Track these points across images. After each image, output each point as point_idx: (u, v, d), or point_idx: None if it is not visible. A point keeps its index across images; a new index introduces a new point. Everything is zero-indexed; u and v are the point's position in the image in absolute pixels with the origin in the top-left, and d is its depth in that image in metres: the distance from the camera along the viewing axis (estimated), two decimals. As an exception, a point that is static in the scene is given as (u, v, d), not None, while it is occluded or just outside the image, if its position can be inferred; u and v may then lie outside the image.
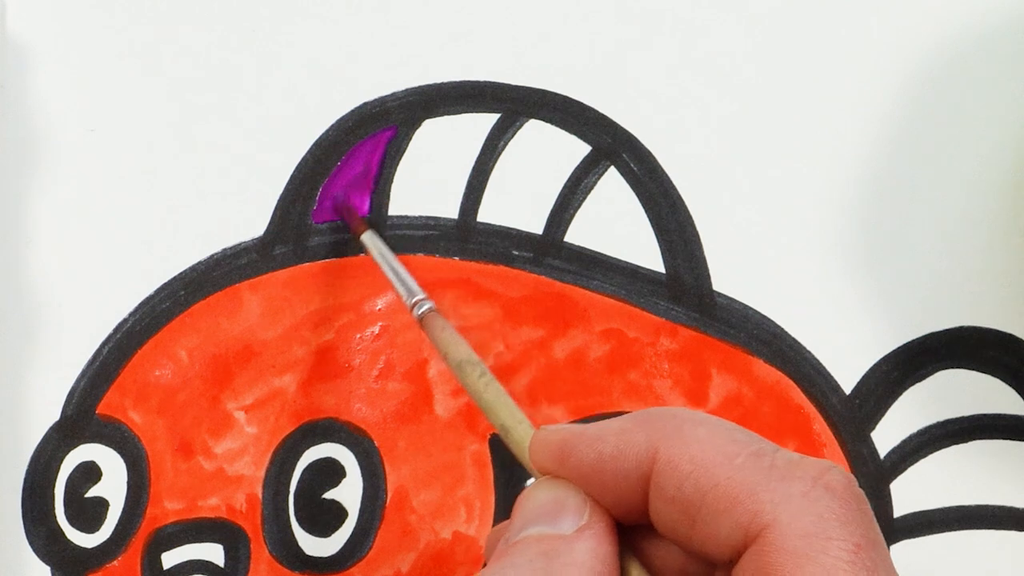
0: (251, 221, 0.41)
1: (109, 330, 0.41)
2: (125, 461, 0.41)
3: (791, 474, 0.24)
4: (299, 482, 0.40)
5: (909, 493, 0.39)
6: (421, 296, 0.35)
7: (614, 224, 0.40)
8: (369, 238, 0.39)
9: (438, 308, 0.35)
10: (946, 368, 0.39)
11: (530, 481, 0.39)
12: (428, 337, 0.34)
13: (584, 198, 0.40)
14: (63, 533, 0.41)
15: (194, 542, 0.40)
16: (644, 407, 0.39)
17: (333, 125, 0.41)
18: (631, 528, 0.27)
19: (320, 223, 0.41)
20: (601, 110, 0.40)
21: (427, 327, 0.34)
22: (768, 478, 0.24)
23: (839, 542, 0.23)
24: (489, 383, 0.31)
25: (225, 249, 0.41)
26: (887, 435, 0.38)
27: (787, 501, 0.24)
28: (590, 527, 0.26)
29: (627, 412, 0.40)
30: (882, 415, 0.39)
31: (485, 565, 0.27)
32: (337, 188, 0.41)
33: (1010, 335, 0.38)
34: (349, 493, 0.40)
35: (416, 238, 0.41)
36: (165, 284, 0.41)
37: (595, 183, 0.40)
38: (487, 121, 0.41)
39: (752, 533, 0.24)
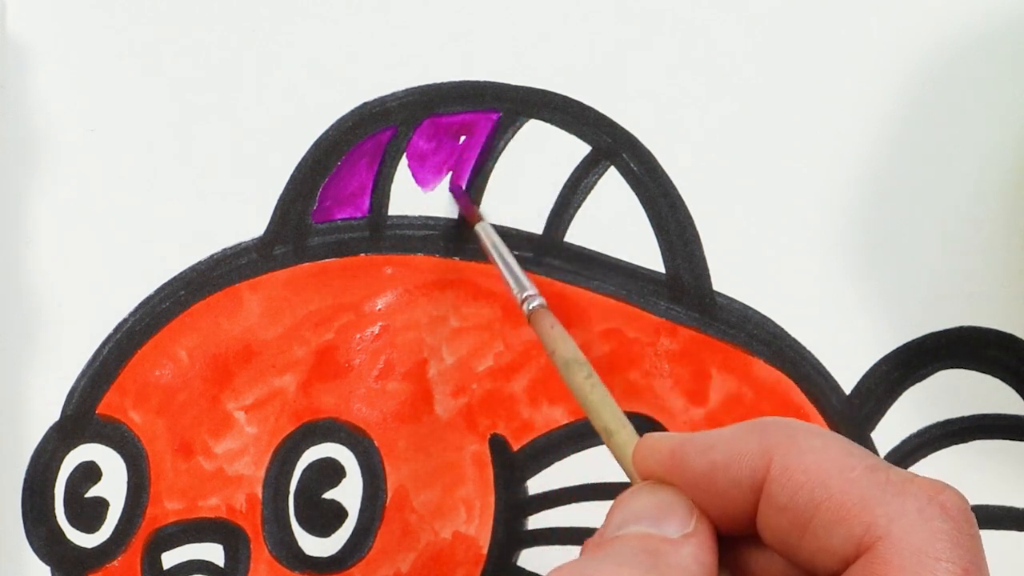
0: (251, 221, 0.41)
1: (109, 330, 0.41)
2: (125, 461, 0.41)
3: (906, 490, 0.24)
4: (299, 482, 0.40)
5: (909, 493, 0.39)
6: (532, 292, 0.35)
7: (614, 224, 0.40)
8: (483, 228, 0.39)
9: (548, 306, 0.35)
10: (946, 368, 0.39)
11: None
12: (536, 333, 0.34)
13: (584, 198, 0.40)
14: (63, 533, 0.41)
15: (194, 542, 0.40)
16: (644, 407, 0.39)
17: (333, 125, 0.41)
18: (729, 540, 0.27)
19: (320, 223, 0.41)
20: (601, 110, 0.40)
21: (535, 323, 0.34)
22: (884, 492, 0.24)
23: (948, 564, 0.23)
24: (595, 385, 0.31)
25: (225, 249, 0.41)
26: (887, 435, 0.38)
27: (901, 517, 0.24)
28: (696, 535, 0.26)
29: (627, 412, 0.40)
30: (882, 415, 0.39)
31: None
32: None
33: (1010, 335, 0.38)
34: (349, 493, 0.40)
35: (416, 238, 0.41)
36: (165, 284, 0.41)
37: (595, 183, 0.40)
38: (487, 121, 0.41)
39: (864, 546, 0.24)
